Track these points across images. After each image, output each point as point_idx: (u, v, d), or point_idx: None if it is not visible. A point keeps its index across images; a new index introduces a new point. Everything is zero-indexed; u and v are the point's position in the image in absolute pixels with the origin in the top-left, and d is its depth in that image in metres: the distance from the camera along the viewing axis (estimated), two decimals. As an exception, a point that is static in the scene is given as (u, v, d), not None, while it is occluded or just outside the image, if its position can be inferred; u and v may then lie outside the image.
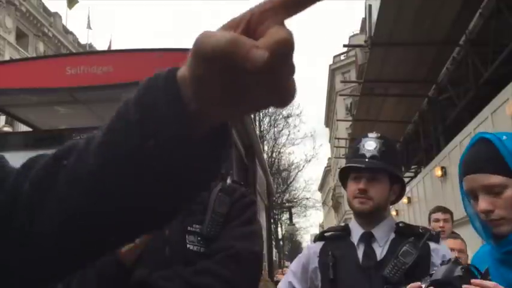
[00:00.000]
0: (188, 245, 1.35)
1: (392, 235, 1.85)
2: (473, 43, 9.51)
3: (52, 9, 28.27)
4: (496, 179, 1.28)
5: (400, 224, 1.90)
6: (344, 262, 1.82)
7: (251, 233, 1.42)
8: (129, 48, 4.34)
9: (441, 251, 1.81)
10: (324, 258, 1.87)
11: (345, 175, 1.98)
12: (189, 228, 1.37)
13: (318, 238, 2.01)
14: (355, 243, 1.86)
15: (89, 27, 31.13)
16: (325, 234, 2.00)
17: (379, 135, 1.94)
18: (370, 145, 1.89)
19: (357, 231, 1.90)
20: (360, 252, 1.83)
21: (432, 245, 1.80)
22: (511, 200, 1.26)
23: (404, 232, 1.84)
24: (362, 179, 1.85)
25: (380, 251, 1.81)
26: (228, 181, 1.49)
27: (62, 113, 4.10)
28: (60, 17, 28.92)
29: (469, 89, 9.98)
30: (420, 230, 1.85)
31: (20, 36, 24.55)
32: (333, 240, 1.94)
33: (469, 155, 1.35)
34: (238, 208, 1.44)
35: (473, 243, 3.95)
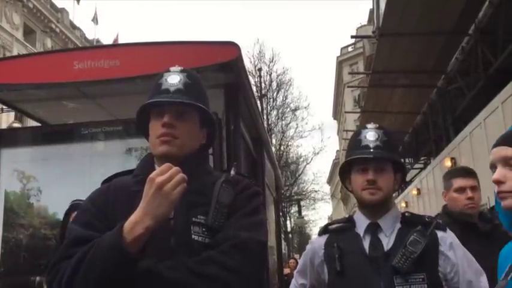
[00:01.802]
0: (193, 236, 1.36)
1: (399, 225, 1.83)
2: (483, 32, 9.39)
3: (59, 5, 28.37)
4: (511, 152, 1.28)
5: (406, 214, 1.88)
6: (350, 253, 1.81)
7: (256, 223, 1.42)
8: (135, 42, 4.33)
9: (449, 238, 1.80)
10: (330, 251, 1.85)
11: (346, 169, 1.95)
12: (193, 219, 1.37)
13: (322, 231, 1.99)
14: (361, 234, 1.85)
15: (95, 22, 31.20)
16: (330, 227, 1.98)
17: (377, 125, 1.92)
18: (371, 136, 1.86)
19: (362, 222, 1.88)
20: (366, 243, 1.82)
21: (439, 233, 1.79)
22: None
23: (411, 221, 1.83)
24: (369, 170, 1.83)
25: (387, 241, 1.80)
26: (232, 172, 1.49)
27: (69, 108, 4.11)
28: (67, 12, 29.03)
29: (478, 79, 9.87)
30: (427, 219, 1.83)
31: (28, 32, 24.68)
32: (337, 232, 1.92)
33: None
34: (243, 199, 1.44)
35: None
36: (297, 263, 11.27)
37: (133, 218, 1.24)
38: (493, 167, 1.33)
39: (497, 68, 8.95)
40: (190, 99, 1.47)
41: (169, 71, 1.55)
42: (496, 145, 1.33)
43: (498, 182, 1.28)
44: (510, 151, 1.28)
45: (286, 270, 10.26)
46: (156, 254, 1.28)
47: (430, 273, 1.71)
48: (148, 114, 1.51)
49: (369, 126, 1.92)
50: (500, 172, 1.29)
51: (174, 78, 1.51)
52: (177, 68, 1.56)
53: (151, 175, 1.25)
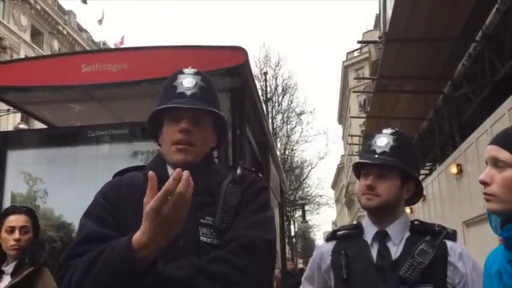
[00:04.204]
0: (201, 237, 1.36)
1: (407, 233, 1.80)
2: (490, 39, 9.36)
3: (66, 8, 28.56)
4: (502, 154, 1.26)
5: (416, 222, 1.85)
6: (357, 261, 1.78)
7: (263, 221, 1.41)
8: (143, 46, 4.36)
9: (458, 249, 1.76)
10: (337, 258, 1.83)
11: (358, 172, 1.95)
12: (201, 220, 1.37)
13: (329, 237, 1.97)
14: (369, 242, 1.82)
15: (102, 24, 31.36)
16: (337, 233, 1.95)
17: (393, 131, 1.89)
18: (381, 141, 1.85)
19: (370, 229, 1.85)
20: (374, 251, 1.79)
21: (449, 243, 1.76)
22: (507, 180, 1.23)
23: (420, 230, 1.80)
24: (370, 175, 1.82)
25: (395, 250, 1.77)
26: (239, 171, 1.47)
27: (76, 110, 4.13)
28: (74, 15, 29.21)
29: (485, 86, 9.83)
30: (436, 228, 1.80)
31: (35, 34, 24.83)
32: (345, 239, 1.90)
33: None
34: (249, 195, 1.43)
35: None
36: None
37: (141, 238, 1.17)
38: (487, 164, 1.32)
39: (504, 75, 8.91)
40: (206, 104, 1.46)
41: (183, 72, 1.52)
42: (490, 143, 1.32)
43: (483, 183, 1.26)
44: (501, 153, 1.27)
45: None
46: (164, 256, 1.26)
47: (438, 284, 1.68)
48: (161, 116, 1.49)
49: (384, 131, 1.90)
50: (487, 173, 1.27)
51: (190, 82, 1.49)
52: (191, 70, 1.53)
53: (153, 206, 1.13)
